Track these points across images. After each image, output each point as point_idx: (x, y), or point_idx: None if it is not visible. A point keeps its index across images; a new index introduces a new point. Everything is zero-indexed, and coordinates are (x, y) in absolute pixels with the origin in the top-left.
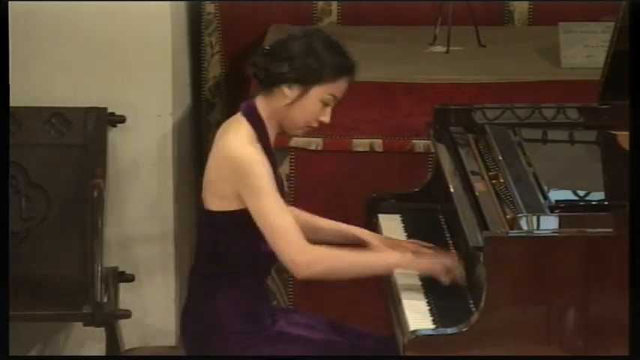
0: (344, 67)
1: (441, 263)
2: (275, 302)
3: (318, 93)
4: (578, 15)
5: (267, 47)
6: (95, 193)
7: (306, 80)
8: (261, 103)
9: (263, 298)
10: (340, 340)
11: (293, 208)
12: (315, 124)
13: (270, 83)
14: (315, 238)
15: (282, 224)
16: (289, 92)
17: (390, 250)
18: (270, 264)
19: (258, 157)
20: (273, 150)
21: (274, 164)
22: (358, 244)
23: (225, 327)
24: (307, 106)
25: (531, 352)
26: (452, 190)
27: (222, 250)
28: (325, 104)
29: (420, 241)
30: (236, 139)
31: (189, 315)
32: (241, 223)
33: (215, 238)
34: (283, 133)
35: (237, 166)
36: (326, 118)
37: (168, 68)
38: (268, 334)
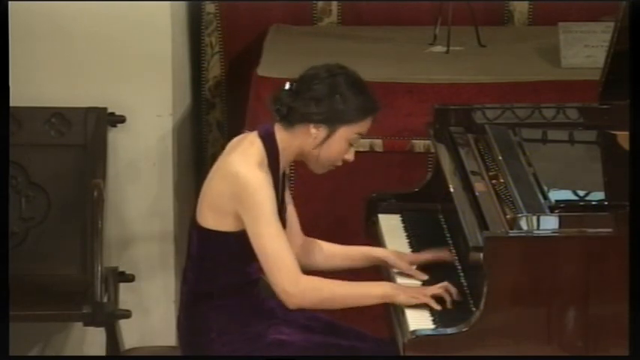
0: (370, 108)
1: (428, 295)
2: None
3: (345, 133)
4: (578, 15)
5: (291, 84)
6: (95, 193)
7: (333, 121)
8: (280, 134)
9: (253, 309)
10: (338, 342)
11: (318, 241)
12: (340, 164)
13: (294, 120)
14: (340, 267)
15: (278, 253)
16: (316, 132)
17: (382, 283)
18: (256, 287)
19: (264, 182)
20: (281, 177)
21: (279, 189)
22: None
23: (216, 340)
24: (334, 146)
25: (531, 352)
26: (452, 190)
27: (209, 267)
28: (351, 144)
29: (437, 253)
30: (245, 159)
31: (183, 327)
32: (233, 246)
33: (203, 255)
34: None
35: (242, 187)
36: (350, 157)
37: (168, 68)
38: (262, 343)
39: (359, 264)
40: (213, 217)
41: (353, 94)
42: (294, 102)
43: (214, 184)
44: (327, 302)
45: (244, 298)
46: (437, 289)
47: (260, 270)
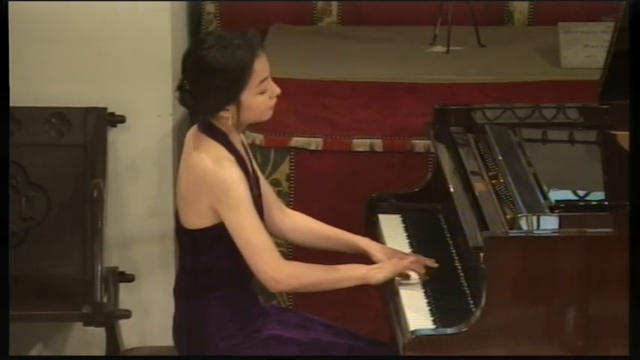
0: (247, 54)
1: (400, 268)
2: (275, 302)
3: (250, 92)
4: (578, 15)
5: (180, 85)
6: (95, 193)
7: (233, 96)
8: (216, 122)
9: (250, 302)
10: (334, 340)
11: (298, 214)
12: (273, 101)
13: (209, 115)
14: (314, 245)
15: (258, 241)
16: (228, 114)
17: (359, 265)
18: (252, 281)
19: (234, 174)
20: (243, 153)
21: (247, 169)
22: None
23: (215, 335)
24: (253, 106)
25: (531, 352)
26: (452, 190)
27: (205, 262)
28: (262, 92)
29: (421, 257)
30: (208, 156)
31: (179, 331)
32: (223, 237)
33: (197, 252)
34: (283, 134)
35: (213, 184)
36: (275, 91)
37: (169, 68)
38: (259, 338)
39: (335, 247)
40: (195, 217)
41: (227, 60)
42: (195, 104)
43: (188, 188)
44: (310, 287)
45: (243, 290)
46: (410, 263)
47: None
